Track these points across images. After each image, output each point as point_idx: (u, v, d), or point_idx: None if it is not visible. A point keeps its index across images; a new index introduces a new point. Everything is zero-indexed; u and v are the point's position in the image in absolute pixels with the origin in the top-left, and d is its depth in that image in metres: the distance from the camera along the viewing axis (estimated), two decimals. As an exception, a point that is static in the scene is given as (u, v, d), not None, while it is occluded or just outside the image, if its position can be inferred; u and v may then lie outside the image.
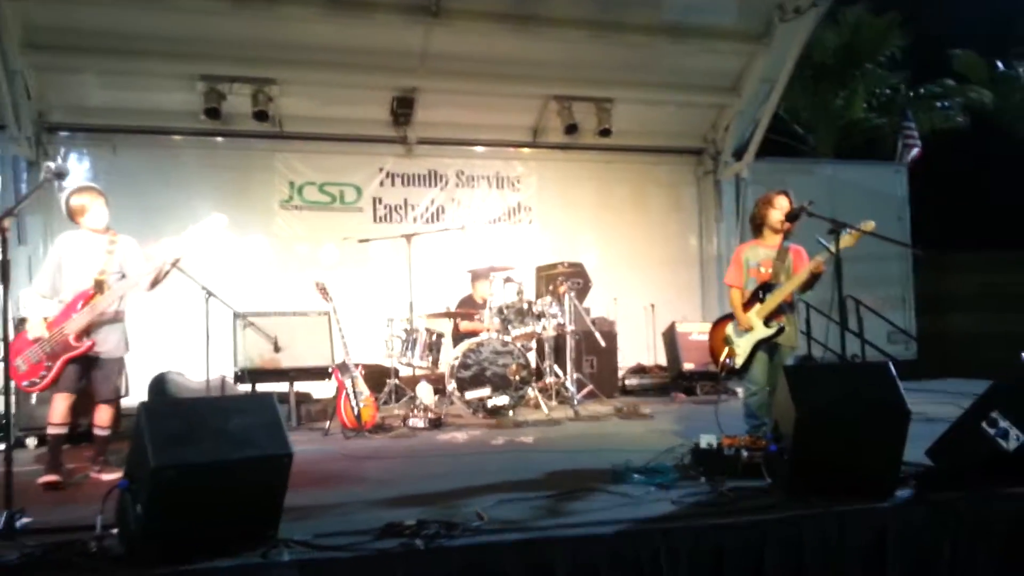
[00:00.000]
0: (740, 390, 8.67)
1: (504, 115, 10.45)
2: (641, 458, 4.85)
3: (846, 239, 4.99)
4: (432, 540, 3.26)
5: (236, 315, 7.00)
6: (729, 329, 5.54)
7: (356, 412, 6.48)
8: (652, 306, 10.42)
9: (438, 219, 10.27)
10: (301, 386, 7.60)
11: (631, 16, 9.64)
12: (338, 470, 5.27)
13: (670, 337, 9.14)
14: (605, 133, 10.38)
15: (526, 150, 10.82)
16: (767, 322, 5.33)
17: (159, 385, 7.13)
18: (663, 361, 9.86)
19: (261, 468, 3.17)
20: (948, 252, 15.13)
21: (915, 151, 12.74)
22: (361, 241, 8.77)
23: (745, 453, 4.54)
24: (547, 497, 4.16)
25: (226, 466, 3.10)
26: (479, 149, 10.64)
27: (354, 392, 6.56)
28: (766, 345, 5.36)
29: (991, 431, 4.40)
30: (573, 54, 9.85)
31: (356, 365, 6.83)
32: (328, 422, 6.90)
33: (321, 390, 7.79)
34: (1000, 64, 16.94)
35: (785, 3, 9.80)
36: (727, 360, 5.45)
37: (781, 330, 5.31)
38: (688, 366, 8.80)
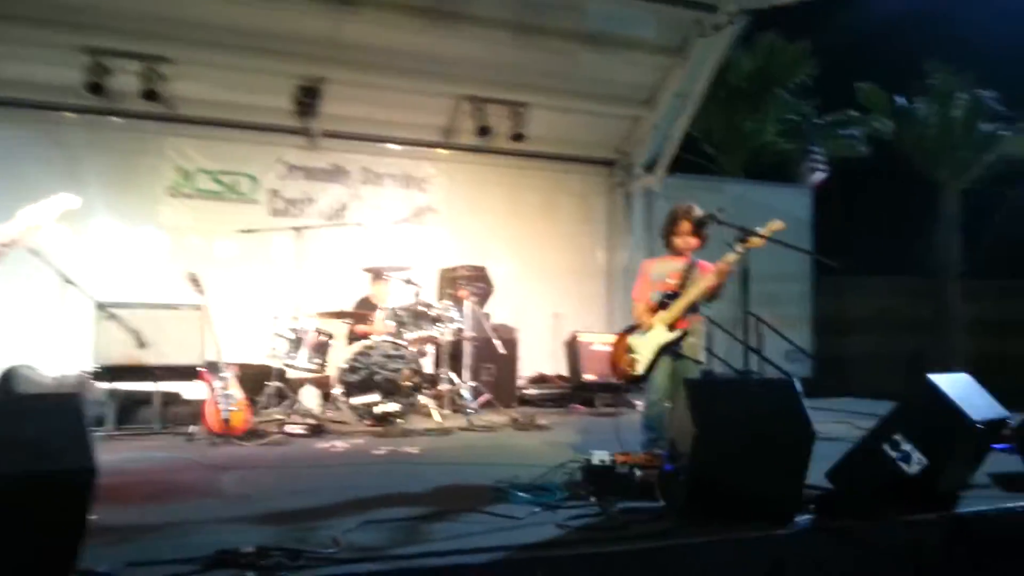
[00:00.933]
0: (640, 403, 8.40)
1: (415, 113, 9.92)
2: (531, 474, 4.40)
3: (753, 240, 4.71)
4: (269, 573, 2.71)
5: (97, 305, 6.23)
6: (632, 339, 5.18)
7: (225, 416, 5.83)
8: (556, 315, 10.02)
9: (340, 216, 9.65)
10: (172, 386, 6.87)
11: (553, 21, 9.30)
12: (190, 481, 4.63)
13: (571, 347, 8.73)
14: (518, 138, 9.97)
15: (436, 150, 10.30)
16: (671, 328, 4.99)
17: (6, 381, 6.33)
18: (565, 371, 9.46)
19: (56, 485, 2.55)
20: (847, 275, 15.32)
21: (821, 175, 12.73)
22: (245, 232, 8.04)
23: (639, 472, 4.13)
24: (419, 518, 3.65)
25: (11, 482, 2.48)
26: (387, 146, 10.06)
27: (224, 394, 5.90)
28: (670, 353, 5.01)
29: (893, 454, 4.09)
30: (490, 55, 9.43)
31: (231, 365, 6.16)
32: (194, 427, 6.21)
33: (193, 391, 7.07)
34: (900, 98, 17.25)
35: (703, 19, 9.61)
36: (628, 367, 5.06)
37: (684, 335, 4.97)
38: (588, 377, 8.40)
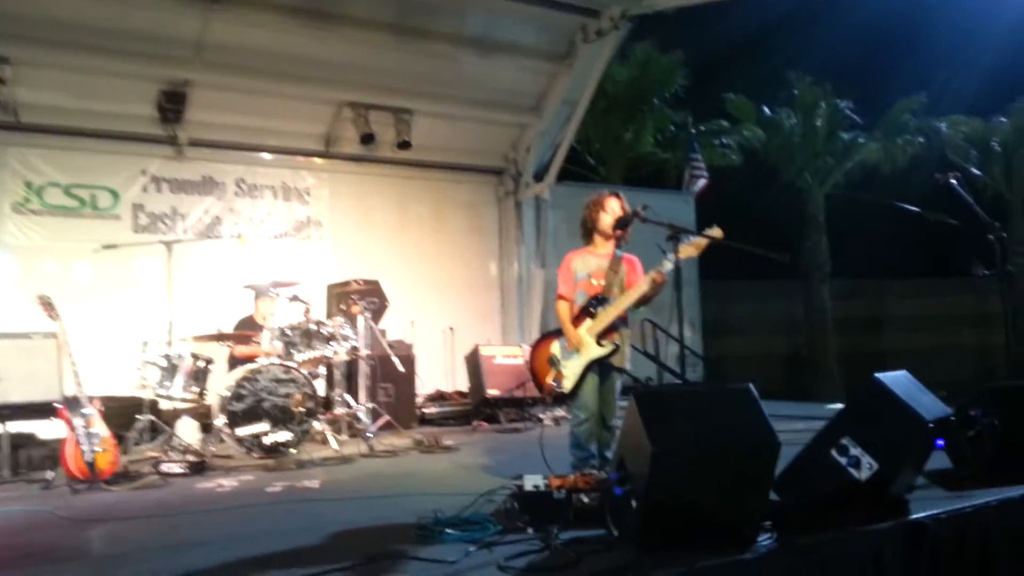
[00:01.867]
0: (544, 416, 7.94)
1: (293, 120, 9.16)
2: (452, 504, 3.82)
3: (688, 248, 4.26)
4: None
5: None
6: (555, 348, 4.63)
7: (88, 458, 4.95)
8: (451, 329, 9.45)
9: (213, 231, 8.76)
10: (22, 426, 5.87)
11: (435, 24, 8.78)
12: (47, 542, 3.76)
13: (473, 361, 8.18)
14: (404, 146, 9.38)
15: (317, 160, 9.55)
16: (600, 340, 4.49)
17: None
18: (463, 387, 8.91)
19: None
20: (727, 280, 15.48)
21: (702, 182, 12.72)
22: (107, 248, 7.07)
23: (580, 497, 3.62)
24: (333, 572, 3.01)
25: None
26: (263, 156, 9.24)
27: (87, 433, 5.02)
28: (597, 367, 4.51)
29: (842, 459, 3.74)
30: (371, 59, 8.80)
31: (93, 399, 5.27)
32: (52, 472, 5.26)
33: (50, 430, 6.08)
34: (766, 109, 17.69)
35: (588, 24, 9.33)
36: (554, 383, 4.53)
37: (616, 349, 4.49)
38: (492, 392, 7.85)
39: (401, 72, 9.05)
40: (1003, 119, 18.49)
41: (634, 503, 3.17)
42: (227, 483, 5.10)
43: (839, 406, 9.32)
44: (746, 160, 17.40)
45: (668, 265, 4.30)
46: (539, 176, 10.62)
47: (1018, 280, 18.36)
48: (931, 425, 3.64)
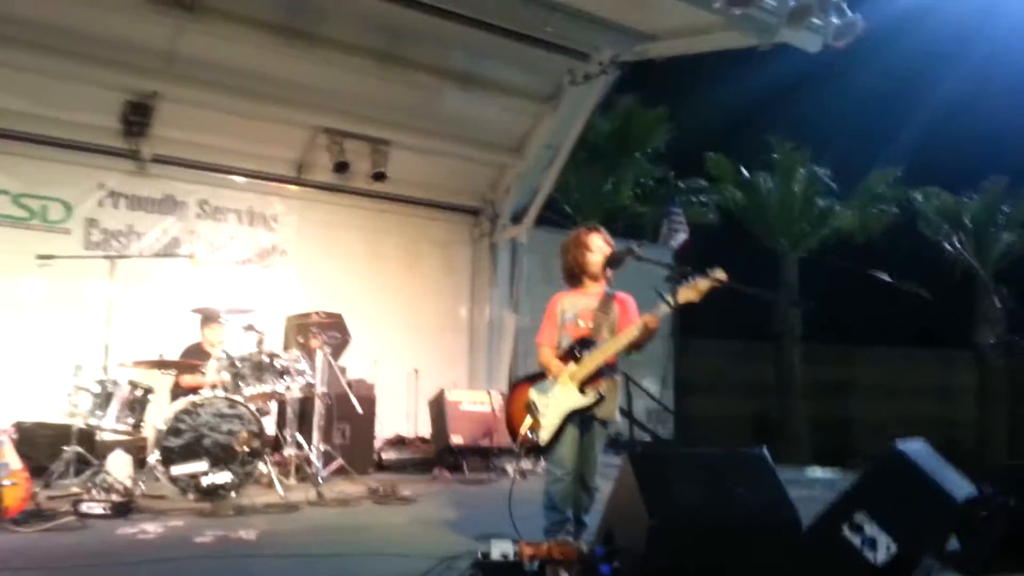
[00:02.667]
0: (511, 468, 7.33)
1: (264, 143, 8.64)
2: (407, 570, 3.26)
3: (688, 292, 3.76)
4: None
5: None
6: (534, 394, 4.06)
7: (-8, 493, 4.30)
8: (416, 371, 8.86)
9: (171, 254, 8.14)
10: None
11: (420, 55, 8.37)
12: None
13: (438, 406, 7.58)
14: (379, 177, 8.91)
15: (287, 186, 9.02)
16: (583, 388, 3.94)
17: None
18: (425, 432, 8.29)
19: None
20: (697, 338, 15.07)
21: (682, 237, 12.36)
22: (43, 259, 6.38)
23: (556, 571, 3.07)
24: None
25: None
26: (231, 178, 8.68)
27: (-8, 464, 4.37)
28: (579, 417, 3.96)
29: (855, 539, 3.24)
30: (351, 85, 8.37)
31: (4, 428, 4.63)
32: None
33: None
34: (745, 171, 17.52)
35: (575, 68, 8.97)
36: (529, 433, 3.97)
37: (600, 399, 3.95)
38: (456, 440, 7.24)
39: (381, 101, 8.62)
40: (974, 195, 18.49)
41: (625, 584, 2.64)
42: (152, 529, 4.45)
43: (820, 472, 8.90)
44: (723, 220, 17.16)
45: (664, 309, 3.80)
46: (517, 219, 10.18)
47: (989, 355, 18.33)
48: (961, 505, 3.16)
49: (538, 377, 4.12)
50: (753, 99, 16.80)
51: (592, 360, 3.93)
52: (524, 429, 3.98)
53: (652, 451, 3.23)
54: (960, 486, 3.31)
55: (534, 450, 4.03)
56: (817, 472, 8.61)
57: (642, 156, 15.96)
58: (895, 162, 17.84)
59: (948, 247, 16.65)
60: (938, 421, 19.32)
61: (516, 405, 4.13)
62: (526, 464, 7.20)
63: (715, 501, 2.58)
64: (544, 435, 3.93)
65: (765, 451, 2.82)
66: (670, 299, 3.75)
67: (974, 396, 18.65)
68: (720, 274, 3.77)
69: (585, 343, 4.00)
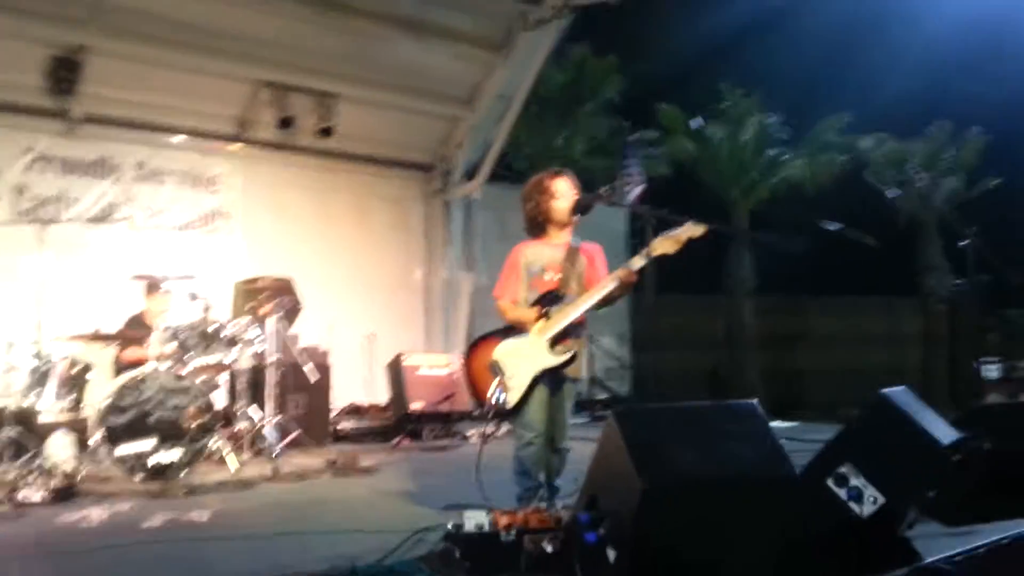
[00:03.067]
0: (472, 433, 7.16)
1: (203, 98, 8.17)
2: (372, 546, 3.06)
3: (665, 243, 3.56)
4: None
5: None
6: (499, 354, 3.79)
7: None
8: (371, 335, 8.59)
9: (107, 220, 7.70)
10: None
11: (363, 1, 7.95)
12: None
13: (395, 371, 7.32)
14: (326, 132, 8.52)
15: (229, 145, 8.56)
16: (553, 346, 3.71)
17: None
18: (383, 399, 8.06)
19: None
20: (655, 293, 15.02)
21: (638, 189, 12.15)
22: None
23: (536, 541, 2.88)
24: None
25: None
26: (168, 137, 8.20)
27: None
28: (548, 377, 3.72)
29: (840, 492, 3.11)
30: (293, 35, 7.95)
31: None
32: None
33: None
34: (695, 121, 17.34)
35: (528, 12, 8.67)
36: (497, 395, 3.72)
37: (573, 358, 3.72)
38: (415, 406, 7.02)
39: (325, 52, 8.22)
40: (919, 141, 18.61)
41: (612, 553, 2.45)
42: (96, 514, 4.15)
43: (779, 424, 8.90)
44: (675, 171, 17.01)
45: (639, 262, 3.57)
46: (470, 175, 9.90)
47: (931, 302, 18.68)
48: (948, 450, 3.04)
49: (498, 334, 3.86)
50: (704, 46, 16.61)
51: (563, 315, 3.70)
52: (491, 392, 3.73)
53: (638, 409, 3.00)
54: (944, 432, 3.20)
55: (501, 414, 3.78)
56: (776, 423, 8.59)
57: (595, 108, 15.65)
58: (843, 108, 17.84)
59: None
60: (886, 369, 19.73)
61: (477, 366, 3.86)
62: (490, 428, 7.01)
63: (708, 458, 2.40)
64: (512, 397, 3.69)
65: (756, 404, 2.66)
66: (646, 250, 3.53)
67: (919, 343, 19.01)
68: (699, 227, 3.57)
69: (553, 297, 3.76)
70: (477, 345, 3.93)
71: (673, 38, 16.51)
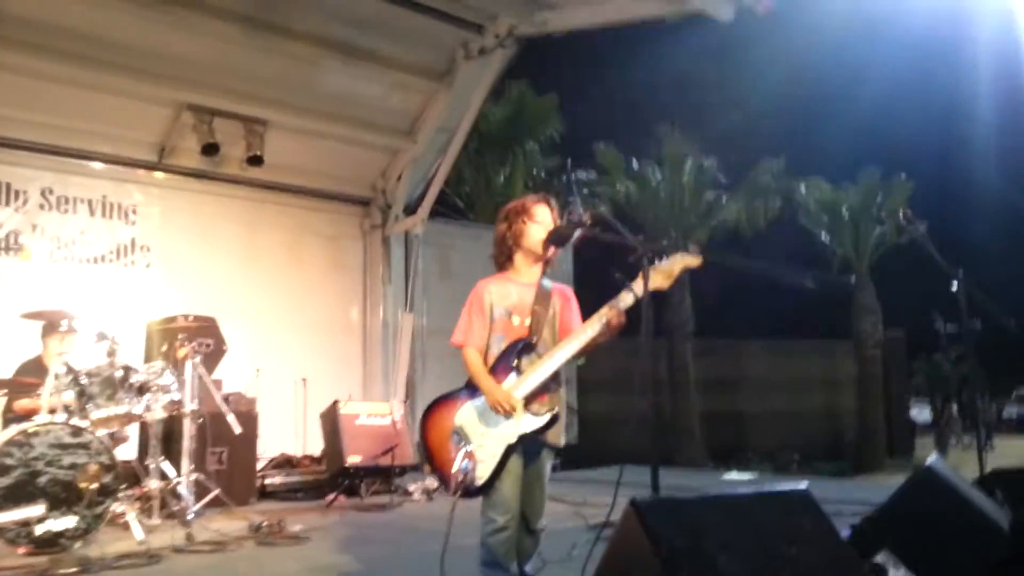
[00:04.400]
0: (413, 488, 6.48)
1: (119, 122, 7.42)
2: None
3: (658, 276, 3.02)
4: None
5: None
6: (463, 419, 3.11)
7: None
8: (304, 380, 7.86)
9: (8, 251, 6.86)
10: None
11: (296, 22, 7.44)
12: None
13: (331, 420, 6.59)
14: (255, 161, 7.87)
15: (149, 172, 7.83)
16: (528, 405, 3.06)
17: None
18: (316, 450, 7.33)
19: None
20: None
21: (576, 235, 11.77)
22: None
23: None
24: None
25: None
26: (80, 163, 7.43)
27: None
28: (521, 446, 3.06)
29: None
30: (219, 55, 7.34)
31: None
32: None
33: None
34: (635, 162, 17.22)
35: (470, 41, 8.27)
36: (464, 470, 3.01)
37: (555, 419, 3.09)
38: (353, 459, 6.30)
39: (255, 75, 7.62)
40: (852, 186, 18.84)
41: None
42: (-39, 603, 3.37)
43: (738, 475, 8.44)
44: (614, 212, 16.77)
45: (628, 299, 3.00)
46: (410, 210, 9.33)
47: (866, 345, 18.74)
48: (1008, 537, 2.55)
49: (461, 394, 3.19)
50: (643, 87, 16.57)
51: (538, 368, 3.06)
52: (457, 467, 3.01)
53: (665, 501, 2.29)
54: (995, 511, 2.71)
55: (470, 492, 3.02)
56: (734, 475, 8.15)
57: (535, 145, 15.33)
58: (778, 152, 17.95)
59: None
60: (823, 412, 19.70)
61: (436, 433, 3.16)
62: (430, 482, 6.37)
63: (767, 573, 1.81)
64: (483, 471, 3.00)
65: (808, 489, 2.11)
66: (635, 285, 2.99)
67: (854, 386, 19.02)
68: (695, 257, 3.05)
69: (525, 347, 3.13)
70: (436, 407, 3.23)
71: (612, 77, 16.44)
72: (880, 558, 2.56)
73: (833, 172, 18.50)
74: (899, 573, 2.54)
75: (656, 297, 3.05)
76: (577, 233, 3.30)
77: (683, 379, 17.28)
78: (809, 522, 1.98)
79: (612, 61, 16.31)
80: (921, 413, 21.15)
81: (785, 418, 18.59)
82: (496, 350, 3.17)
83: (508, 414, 3.03)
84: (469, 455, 3.02)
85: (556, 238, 3.23)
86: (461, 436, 3.07)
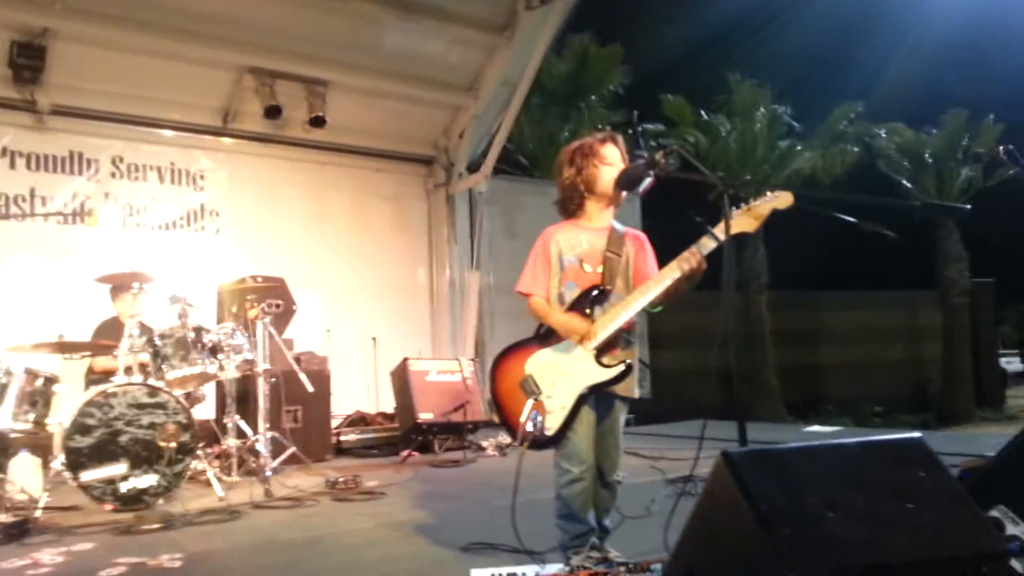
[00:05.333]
0: (487, 444, 6.48)
1: (184, 88, 7.51)
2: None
3: (743, 219, 2.80)
4: None
5: None
6: (533, 368, 2.98)
7: None
8: (374, 340, 7.91)
9: (80, 219, 7.03)
10: None
11: (356, -21, 7.32)
12: None
13: (401, 378, 6.61)
14: (317, 122, 7.86)
15: (213, 138, 7.90)
16: (600, 357, 2.93)
17: None
18: (388, 407, 7.38)
19: None
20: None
21: (647, 181, 11.49)
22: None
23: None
24: None
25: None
26: (147, 130, 7.54)
27: None
28: (594, 397, 2.94)
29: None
30: (278, 17, 7.30)
31: None
32: None
33: None
34: (704, 113, 16.72)
35: (531, -11, 8.03)
36: (534, 422, 2.90)
37: (627, 371, 2.94)
38: (425, 416, 6.32)
39: (314, 35, 7.56)
40: (934, 130, 17.97)
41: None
42: (49, 558, 3.45)
43: (821, 428, 8.19)
44: (683, 165, 16.35)
45: (710, 244, 2.80)
46: (473, 167, 9.22)
47: (952, 293, 18.01)
48: None
49: (532, 343, 3.06)
50: (710, 34, 16.00)
51: (611, 318, 2.90)
52: (525, 415, 2.90)
53: (759, 453, 2.06)
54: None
55: (539, 443, 2.91)
56: (817, 428, 7.89)
57: (599, 100, 14.98)
58: (856, 97, 17.21)
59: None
60: (905, 363, 19.07)
61: (506, 384, 3.04)
62: (504, 438, 6.35)
63: (882, 533, 1.64)
64: (553, 421, 2.90)
65: (922, 438, 1.93)
66: (717, 229, 2.80)
67: (939, 336, 18.33)
68: (786, 196, 2.84)
69: (598, 295, 2.97)
70: (505, 358, 3.10)
71: (677, 27, 15.89)
72: (995, 512, 2.38)
73: (914, 116, 17.64)
74: (1019, 529, 2.35)
75: (714, 252, 2.87)
76: (649, 179, 3.11)
77: (759, 332, 16.90)
78: (926, 475, 1.80)
79: (676, 8, 15.77)
80: (1011, 363, 20.32)
81: (865, 370, 18.06)
82: (569, 298, 3.03)
83: (570, 366, 2.91)
84: (538, 405, 2.91)
85: (626, 180, 3.05)
86: (531, 386, 2.96)
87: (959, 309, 17.85)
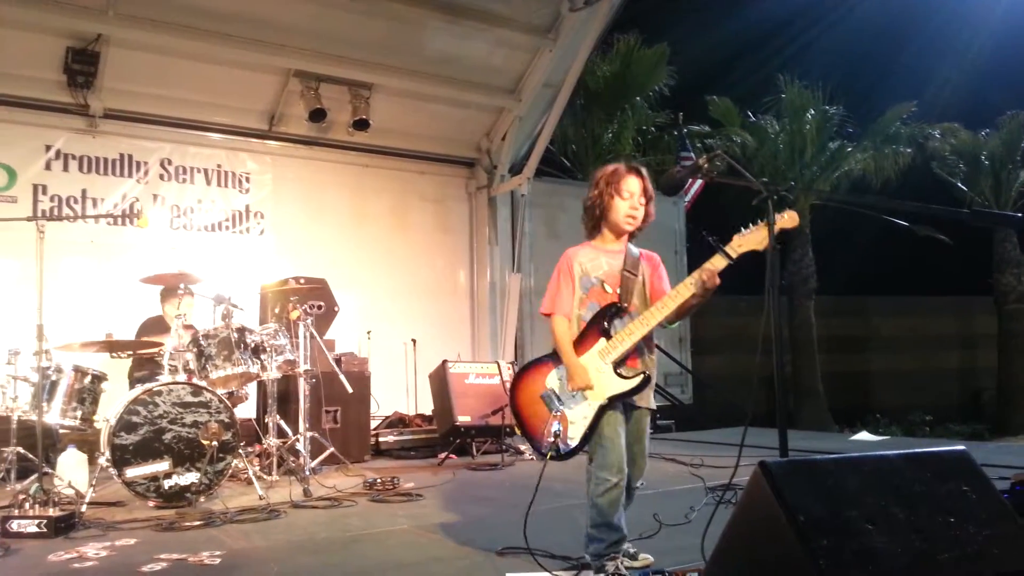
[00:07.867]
0: (525, 448, 6.46)
1: (231, 91, 7.67)
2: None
3: (751, 237, 2.87)
4: None
5: None
6: (552, 381, 3.06)
7: None
8: (413, 341, 7.98)
9: (130, 220, 7.20)
10: None
11: (399, -16, 7.39)
12: None
13: (440, 380, 6.65)
14: (361, 125, 7.96)
15: (259, 140, 8.05)
16: (618, 370, 2.98)
17: None
18: (427, 409, 7.43)
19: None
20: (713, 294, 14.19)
21: (695, 185, 11.42)
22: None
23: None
24: None
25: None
26: (195, 133, 7.71)
27: None
28: (620, 405, 2.99)
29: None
30: (323, 21, 7.41)
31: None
32: None
33: None
34: (751, 114, 16.51)
35: (574, -10, 8.03)
36: (554, 435, 2.94)
37: (646, 381, 3.00)
38: (463, 418, 6.34)
39: (358, 39, 7.66)
40: (991, 131, 17.49)
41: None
42: (93, 552, 3.54)
43: (869, 437, 8.00)
44: (728, 170, 16.16)
45: (722, 262, 2.88)
46: (515, 169, 9.25)
47: (1008, 299, 17.52)
48: None
49: (549, 359, 3.12)
50: (758, 35, 15.78)
51: (630, 333, 2.97)
52: (549, 429, 2.94)
53: (799, 464, 1.94)
54: None
55: (562, 455, 2.96)
56: (864, 436, 7.73)
57: (643, 101, 14.86)
58: (909, 97, 16.83)
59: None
60: (956, 372, 18.60)
61: (526, 398, 3.10)
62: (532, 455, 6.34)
63: (923, 548, 1.61)
64: (576, 432, 2.95)
65: (966, 450, 1.89)
66: (729, 247, 2.86)
67: (993, 343, 17.84)
68: (791, 218, 2.86)
69: (616, 311, 3.04)
70: (525, 372, 3.19)
71: (724, 28, 15.72)
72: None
73: (969, 118, 17.20)
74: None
75: (759, 257, 2.88)
76: (696, 186, 3.15)
77: (806, 337, 16.63)
78: (970, 489, 1.76)
79: (722, 8, 15.60)
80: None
81: (915, 378, 17.68)
82: (587, 315, 3.09)
83: (580, 389, 2.98)
84: (560, 417, 2.95)
85: (668, 185, 3.08)
86: (552, 399, 3.02)
87: (1015, 316, 17.35)
